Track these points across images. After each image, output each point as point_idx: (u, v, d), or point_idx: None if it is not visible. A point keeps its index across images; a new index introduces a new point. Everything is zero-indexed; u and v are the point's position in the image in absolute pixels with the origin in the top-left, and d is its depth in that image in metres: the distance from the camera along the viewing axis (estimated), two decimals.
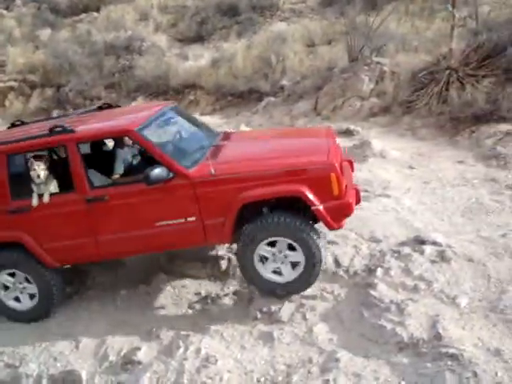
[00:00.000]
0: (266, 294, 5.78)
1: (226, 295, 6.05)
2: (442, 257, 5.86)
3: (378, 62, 10.84)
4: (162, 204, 5.59)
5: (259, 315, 5.63)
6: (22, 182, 5.83)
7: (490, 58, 9.90)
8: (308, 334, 5.27)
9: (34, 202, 5.73)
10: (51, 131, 5.74)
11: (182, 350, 5.31)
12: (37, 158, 5.85)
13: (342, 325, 5.29)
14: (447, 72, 9.69)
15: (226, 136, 6.65)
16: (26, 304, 6.16)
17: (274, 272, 5.66)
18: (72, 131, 5.72)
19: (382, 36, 12.22)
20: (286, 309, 5.61)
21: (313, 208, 5.37)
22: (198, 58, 16.03)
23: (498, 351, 4.65)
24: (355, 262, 6.12)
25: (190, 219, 5.57)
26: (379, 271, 5.82)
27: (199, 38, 18.18)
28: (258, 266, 5.64)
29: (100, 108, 7.23)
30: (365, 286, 5.68)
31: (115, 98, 15.05)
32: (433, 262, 5.83)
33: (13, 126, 7.09)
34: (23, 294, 6.15)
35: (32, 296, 6.13)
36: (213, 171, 5.43)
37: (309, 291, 5.74)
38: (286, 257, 5.60)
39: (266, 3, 19.05)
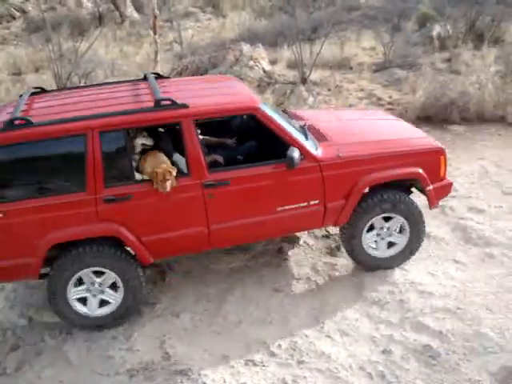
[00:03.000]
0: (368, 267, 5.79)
1: None
2: (161, 277, 6.00)
3: None
4: (288, 188, 5.20)
5: None
6: (118, 165, 4.92)
7: None
8: (36, 381, 4.90)
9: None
10: (158, 105, 4.89)
11: None
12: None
13: (70, 365, 5.02)
14: None
15: (294, 115, 6.15)
16: (94, 309, 5.18)
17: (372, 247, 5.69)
18: (186, 106, 4.94)
19: (90, 62, 12.11)
20: (11, 359, 5.15)
21: (427, 189, 5.53)
22: None
23: (224, 357, 4.88)
24: None
25: (312, 202, 5.30)
26: None
27: None
28: (365, 237, 5.59)
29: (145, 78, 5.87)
30: None
31: None
32: (154, 283, 5.91)
33: (32, 94, 5.54)
34: (94, 298, 5.15)
35: (103, 303, 5.18)
36: (340, 153, 5.25)
37: (30, 337, 5.37)
38: (390, 235, 5.67)
39: None
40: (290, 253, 6.25)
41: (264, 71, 10.61)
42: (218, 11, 19.79)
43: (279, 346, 4.97)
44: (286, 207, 5.25)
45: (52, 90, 6.00)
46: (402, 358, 4.77)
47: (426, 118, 9.53)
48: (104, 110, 4.93)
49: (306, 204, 5.28)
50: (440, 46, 12.94)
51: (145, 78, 5.87)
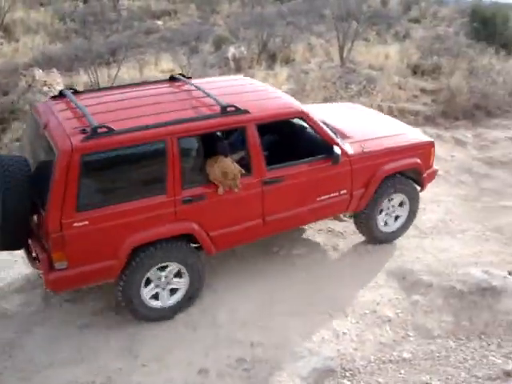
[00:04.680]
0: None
1: None
2: None
3: None
4: (326, 181, 5.92)
5: None
6: (193, 168, 5.26)
7: None
8: None
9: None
10: (224, 111, 5.28)
11: None
12: None
13: None
14: None
15: None
16: (165, 301, 5.47)
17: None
18: (247, 112, 5.42)
19: None
20: None
21: (423, 176, 6.59)
22: None
23: None
24: None
25: (342, 192, 6.07)
26: None
27: None
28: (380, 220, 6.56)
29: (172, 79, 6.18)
30: None
31: None
32: None
33: (61, 94, 5.61)
34: (164, 291, 5.44)
35: (173, 291, 5.50)
36: (364, 149, 6.07)
37: None
38: (394, 211, 6.65)
39: None
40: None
41: None
42: (9, 35, 18.70)
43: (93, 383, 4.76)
44: (323, 197, 5.97)
45: (84, 91, 6.09)
46: (217, 376, 4.84)
47: None
48: (174, 116, 5.19)
49: (337, 194, 6.06)
50: (236, 66, 13.46)
51: (172, 79, 6.18)
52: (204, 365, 4.94)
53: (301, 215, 5.97)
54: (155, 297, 5.42)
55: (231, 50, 14.11)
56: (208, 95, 5.55)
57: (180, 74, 6.37)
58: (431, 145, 6.71)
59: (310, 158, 5.82)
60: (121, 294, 5.26)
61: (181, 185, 5.13)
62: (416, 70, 13.73)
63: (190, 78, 6.46)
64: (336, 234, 6.94)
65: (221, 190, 5.27)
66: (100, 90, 6.32)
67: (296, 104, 5.95)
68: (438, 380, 4.83)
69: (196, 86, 5.82)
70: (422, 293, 5.82)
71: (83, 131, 4.79)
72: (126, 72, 11.68)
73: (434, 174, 6.90)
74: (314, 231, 6.94)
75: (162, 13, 23.25)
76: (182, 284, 5.49)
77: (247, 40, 15.21)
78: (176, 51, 14.19)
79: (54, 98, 5.68)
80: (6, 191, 4.76)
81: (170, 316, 5.48)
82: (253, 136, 5.46)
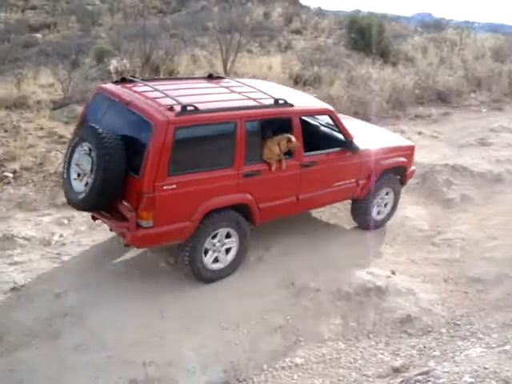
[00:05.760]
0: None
1: None
2: None
3: None
4: (343, 169, 6.98)
5: None
6: (253, 147, 6.05)
7: None
8: None
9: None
10: (277, 103, 6.28)
11: None
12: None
13: None
14: None
15: None
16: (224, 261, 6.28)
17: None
18: (292, 105, 6.39)
19: None
20: None
21: (407, 172, 7.81)
22: None
23: None
24: None
25: (352, 180, 7.12)
26: None
27: None
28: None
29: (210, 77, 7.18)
30: None
31: None
32: None
33: (123, 80, 6.36)
34: (220, 253, 6.21)
35: (227, 250, 6.29)
36: (370, 146, 7.19)
37: None
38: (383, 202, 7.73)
39: None
40: None
41: None
42: None
43: None
44: (340, 183, 7.01)
45: (141, 79, 6.69)
46: None
47: None
48: (239, 104, 6.12)
49: (348, 181, 7.08)
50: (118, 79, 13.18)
51: (210, 77, 7.12)
52: None
53: (322, 197, 6.99)
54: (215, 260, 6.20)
55: (113, 63, 13.80)
56: (258, 90, 6.53)
57: (216, 74, 7.56)
58: (413, 148, 7.99)
59: (334, 149, 6.87)
60: (188, 255, 5.93)
61: (244, 160, 5.96)
62: (298, 80, 14.13)
63: (222, 77, 7.42)
64: None
65: (273, 168, 6.15)
66: (152, 79, 7.31)
67: (326, 104, 7.19)
68: (331, 382, 4.95)
69: (241, 82, 6.95)
70: (310, 298, 5.95)
71: (171, 108, 5.55)
72: (3, 87, 11.14)
73: (413, 173, 8.18)
74: None
75: (41, 25, 22.50)
76: (226, 261, 6.26)
77: (130, 52, 14.98)
78: (56, 65, 13.71)
79: (115, 82, 6.35)
80: (105, 157, 5.41)
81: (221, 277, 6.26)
82: (297, 125, 6.40)
